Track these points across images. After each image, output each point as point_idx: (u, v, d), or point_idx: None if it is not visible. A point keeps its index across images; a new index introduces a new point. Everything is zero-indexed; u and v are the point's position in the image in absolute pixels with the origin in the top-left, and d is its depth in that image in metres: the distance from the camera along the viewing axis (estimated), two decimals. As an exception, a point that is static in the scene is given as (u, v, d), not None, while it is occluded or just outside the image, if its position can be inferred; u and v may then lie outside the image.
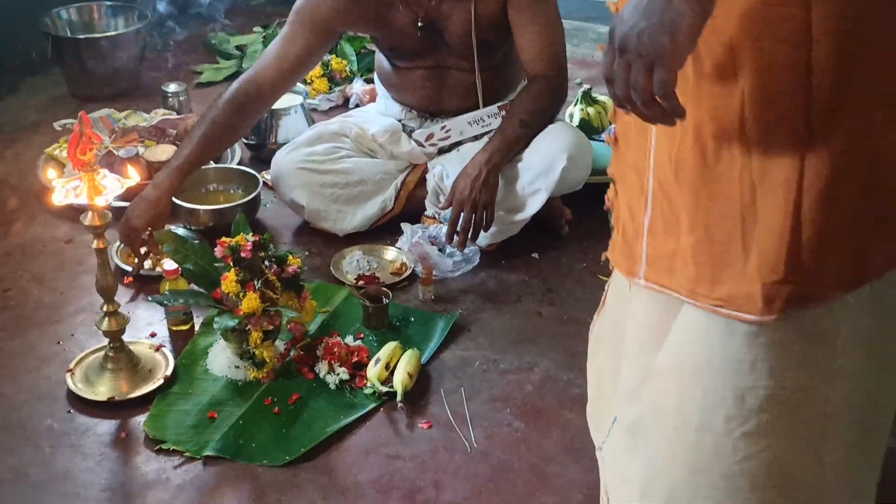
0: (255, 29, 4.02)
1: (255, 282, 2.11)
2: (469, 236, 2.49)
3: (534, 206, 2.59)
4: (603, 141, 3.05)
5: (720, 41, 1.09)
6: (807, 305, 1.16)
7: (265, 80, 2.55)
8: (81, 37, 3.57)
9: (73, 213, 2.17)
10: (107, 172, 2.02)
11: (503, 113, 2.67)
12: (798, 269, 1.14)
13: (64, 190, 1.95)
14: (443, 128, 2.75)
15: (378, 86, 2.92)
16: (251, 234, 2.17)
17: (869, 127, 1.10)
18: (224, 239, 2.14)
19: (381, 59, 2.83)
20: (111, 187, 1.99)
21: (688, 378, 1.25)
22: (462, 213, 2.48)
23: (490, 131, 2.63)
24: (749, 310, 1.17)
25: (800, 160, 1.10)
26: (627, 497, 1.38)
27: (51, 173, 2.05)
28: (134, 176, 2.07)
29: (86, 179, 1.96)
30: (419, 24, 2.59)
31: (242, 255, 2.10)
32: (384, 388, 2.12)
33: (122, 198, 2.19)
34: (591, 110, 3.18)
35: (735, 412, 1.23)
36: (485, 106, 2.71)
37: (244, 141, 3.12)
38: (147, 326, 2.35)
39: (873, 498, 1.35)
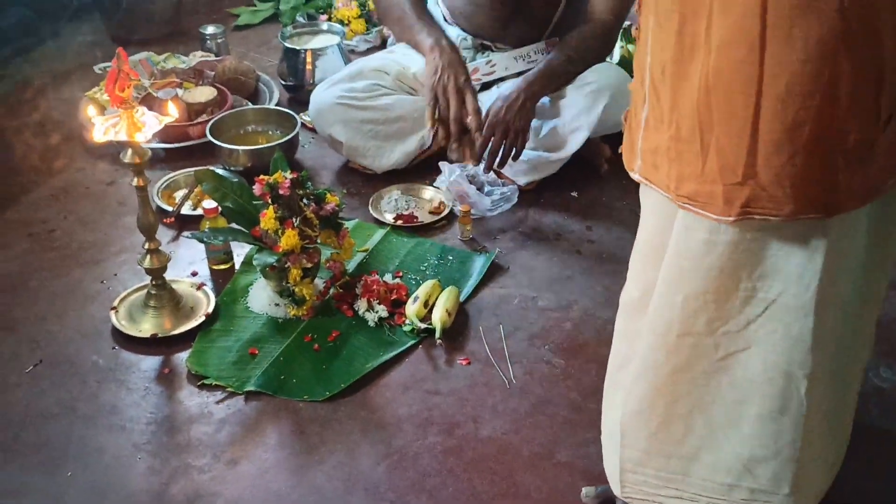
0: (292, -30, 3.98)
1: (294, 219, 2.12)
2: (498, 161, 2.46)
3: (574, 143, 2.57)
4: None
5: None
6: (770, 214, 1.21)
7: None
8: (119, -20, 3.56)
9: (115, 155, 2.19)
10: (145, 110, 2.03)
11: (549, 49, 2.63)
12: (755, 174, 1.19)
13: (103, 127, 1.96)
14: (488, 62, 2.71)
15: (436, 12, 2.82)
16: (289, 171, 2.17)
17: (836, 35, 1.11)
18: (262, 177, 2.15)
19: None
20: (150, 124, 2.00)
21: (673, 285, 1.34)
22: (493, 136, 2.46)
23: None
24: (712, 209, 1.23)
25: (758, 66, 1.14)
26: (616, 402, 1.50)
27: (91, 111, 2.06)
28: (173, 112, 2.07)
29: (124, 116, 1.96)
30: None
31: (281, 192, 2.11)
32: (423, 326, 2.13)
33: (161, 138, 2.19)
34: (631, 47, 3.12)
35: (716, 314, 1.32)
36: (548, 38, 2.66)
37: (282, 81, 3.11)
38: (188, 265, 2.37)
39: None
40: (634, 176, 1.37)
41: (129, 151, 1.98)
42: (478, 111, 2.32)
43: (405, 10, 2.44)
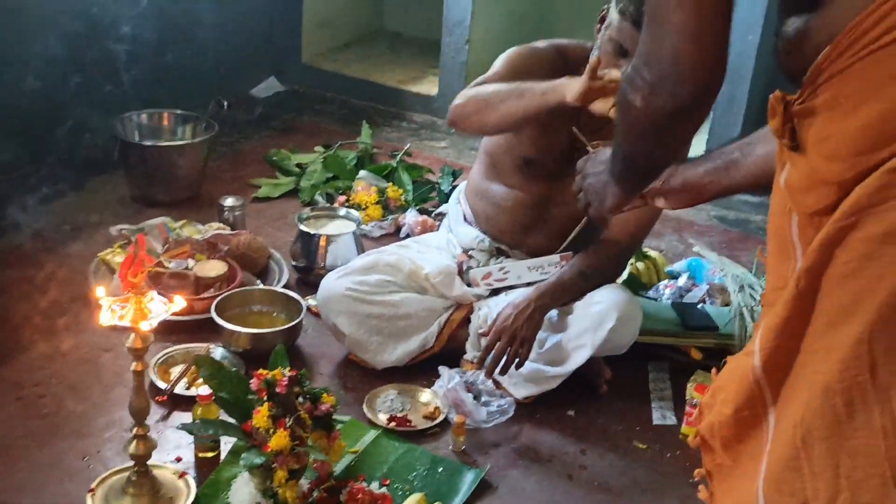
0: (316, 148, 4.09)
1: (287, 418, 2.10)
2: (500, 368, 2.47)
3: (576, 361, 2.56)
4: (651, 298, 3.03)
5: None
6: None
7: None
8: (148, 143, 3.66)
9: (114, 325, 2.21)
10: (154, 295, 2.04)
11: (563, 263, 2.66)
12: None
13: (109, 312, 1.97)
14: (501, 269, 2.75)
15: (456, 210, 2.89)
16: (288, 367, 2.16)
17: None
18: (261, 371, 2.14)
19: (481, 175, 2.78)
20: (156, 311, 2.01)
21: None
22: (499, 341, 2.47)
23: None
24: None
25: None
26: None
27: (100, 290, 2.07)
28: (180, 303, 2.08)
29: (133, 301, 1.97)
30: (577, 144, 2.45)
31: (277, 390, 2.09)
32: (404, 544, 2.07)
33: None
34: (640, 265, 3.17)
35: None
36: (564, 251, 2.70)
37: (293, 262, 3.15)
38: (174, 449, 2.33)
39: None
40: None
41: (133, 336, 1.98)
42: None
43: (508, 89, 2.43)
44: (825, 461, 1.11)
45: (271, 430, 2.07)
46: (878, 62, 1.06)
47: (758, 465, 1.20)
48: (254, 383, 2.12)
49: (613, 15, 2.38)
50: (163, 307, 2.03)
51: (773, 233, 1.25)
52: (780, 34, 1.22)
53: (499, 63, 2.60)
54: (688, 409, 2.52)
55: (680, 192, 1.63)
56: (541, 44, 2.62)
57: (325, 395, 2.16)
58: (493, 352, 2.51)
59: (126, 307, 1.98)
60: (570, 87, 2.32)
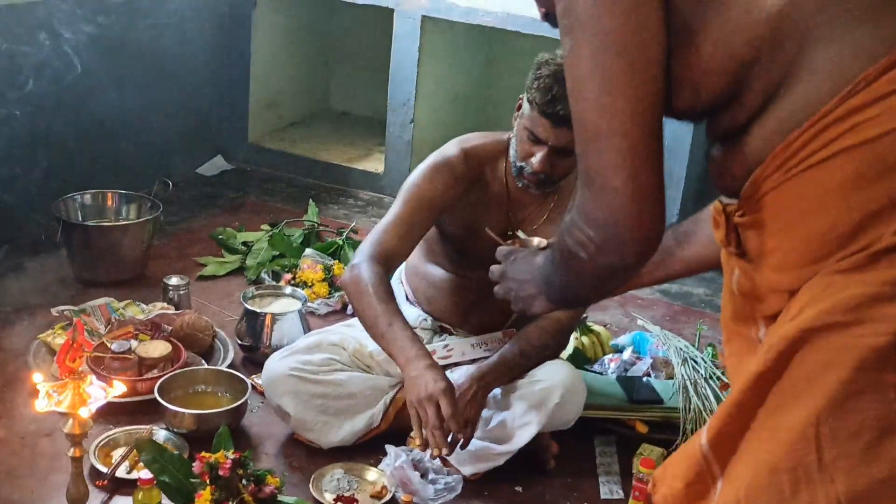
0: (262, 226, 4.10)
1: (231, 501, 2.07)
2: (445, 451, 2.46)
3: (522, 438, 2.56)
4: (596, 372, 3.06)
5: None
6: None
7: (395, 263, 2.59)
8: (91, 223, 3.64)
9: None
10: (94, 379, 2.02)
11: (507, 339, 2.68)
12: None
13: (46, 397, 1.94)
14: (445, 346, 2.76)
15: (398, 290, 2.88)
16: (232, 449, 2.14)
17: None
18: (204, 454, 2.12)
19: (420, 257, 2.80)
20: (95, 396, 1.99)
21: None
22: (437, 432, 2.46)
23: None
24: None
25: None
26: None
27: (37, 377, 2.04)
28: (119, 387, 2.06)
29: (71, 387, 1.95)
30: (508, 232, 2.55)
31: (220, 473, 2.07)
32: None
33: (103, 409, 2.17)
34: (585, 339, 3.20)
35: None
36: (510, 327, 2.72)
37: (238, 341, 3.13)
38: (115, 536, 2.28)
39: None
40: None
41: (70, 421, 1.95)
42: (452, 414, 2.32)
43: (377, 313, 2.43)
44: None
45: (214, 515, 2.04)
46: (814, 178, 1.13)
47: None
48: (196, 466, 2.10)
49: (525, 105, 2.46)
50: (102, 392, 2.01)
51: (732, 335, 1.31)
52: (710, 157, 1.28)
53: (405, 191, 2.59)
54: (634, 483, 2.52)
55: None
56: (451, 149, 2.62)
57: (269, 476, 2.15)
58: (436, 440, 2.49)
59: (64, 392, 1.96)
60: (413, 381, 2.35)
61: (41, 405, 1.93)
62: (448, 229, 2.70)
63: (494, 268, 1.65)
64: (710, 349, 3.19)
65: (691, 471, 1.25)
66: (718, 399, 2.87)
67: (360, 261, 2.50)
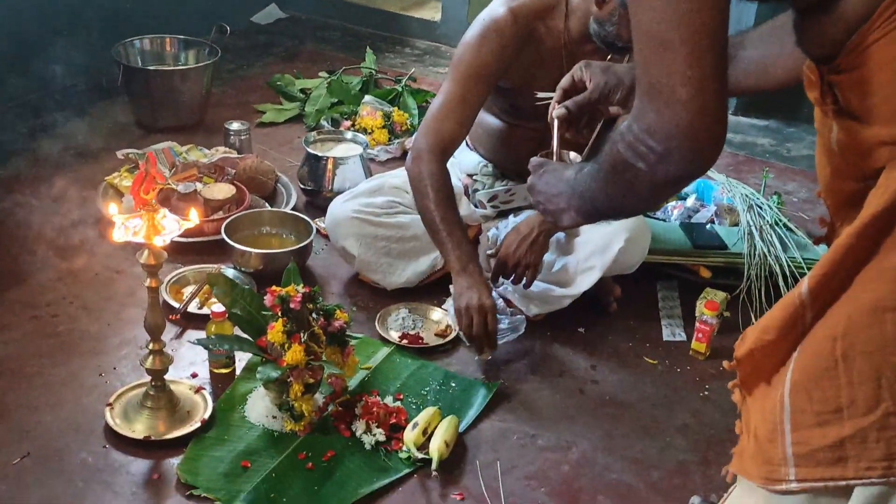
0: (320, 73, 4.06)
1: (302, 334, 2.11)
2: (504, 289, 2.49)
3: (585, 283, 2.57)
4: (660, 219, 3.03)
5: None
6: None
7: (456, 146, 2.54)
8: (151, 68, 3.63)
9: (126, 243, 2.20)
10: (167, 212, 2.04)
11: None
12: None
13: (124, 227, 1.97)
14: (508, 191, 2.74)
15: None
16: (302, 284, 2.17)
17: None
18: (274, 288, 2.15)
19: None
20: (170, 228, 2.01)
21: None
22: (504, 269, 2.50)
23: None
24: None
25: None
26: None
27: (112, 208, 2.07)
28: (194, 218, 2.08)
29: (146, 218, 1.97)
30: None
31: (291, 305, 2.10)
32: (420, 455, 2.10)
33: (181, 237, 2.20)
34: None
35: None
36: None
37: (301, 185, 3.14)
38: (189, 366, 2.35)
39: None
40: (786, 487, 1.21)
41: (146, 252, 1.98)
42: (494, 331, 2.38)
43: (436, 221, 2.43)
44: (867, 374, 1.14)
45: (286, 346, 2.09)
46: None
47: (783, 376, 1.22)
48: (268, 299, 2.13)
49: None
50: (175, 224, 2.03)
51: (831, 192, 1.28)
52: (798, 26, 1.25)
53: (456, 68, 2.49)
54: (698, 324, 2.53)
55: None
56: (498, 11, 2.47)
57: (338, 311, 2.18)
58: (503, 272, 2.53)
59: (139, 224, 1.98)
60: (459, 293, 2.39)
61: (118, 235, 1.95)
62: (503, 88, 2.61)
63: (530, 179, 1.59)
64: (775, 197, 3.14)
65: (786, 322, 1.24)
66: (784, 245, 2.84)
67: (421, 151, 2.46)
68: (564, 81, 1.76)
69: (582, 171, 1.40)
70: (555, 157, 1.81)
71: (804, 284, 1.21)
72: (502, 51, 2.45)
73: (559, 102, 1.75)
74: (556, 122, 1.73)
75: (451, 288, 2.59)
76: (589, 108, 1.72)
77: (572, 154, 1.73)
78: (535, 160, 1.58)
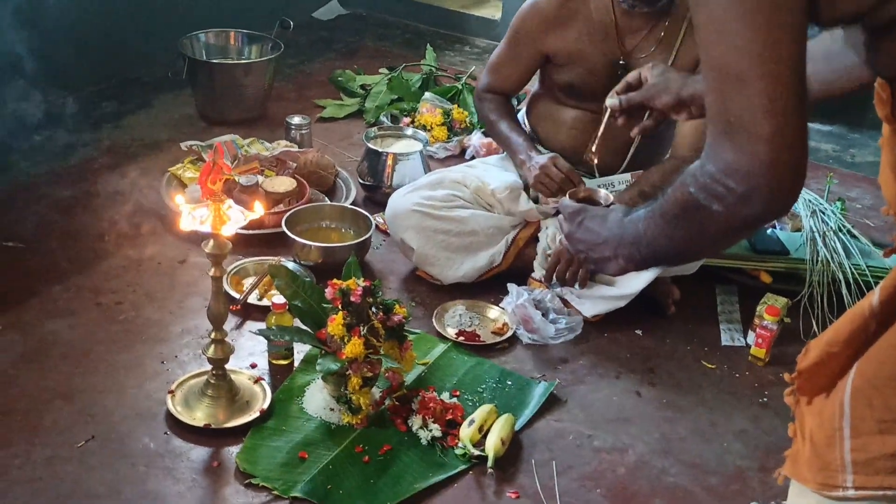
0: (380, 70, 4.08)
1: (361, 327, 2.13)
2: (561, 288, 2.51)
3: (640, 282, 2.55)
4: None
5: None
6: None
7: (509, 92, 2.88)
8: (216, 61, 3.68)
9: (190, 234, 2.24)
10: (232, 203, 2.07)
11: (633, 181, 2.65)
12: None
13: (191, 216, 2.00)
14: None
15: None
16: (362, 278, 2.18)
17: None
18: (335, 281, 2.16)
19: (539, 96, 2.84)
20: (235, 218, 2.03)
21: None
22: (559, 262, 2.52)
23: None
24: None
25: None
26: None
27: (179, 199, 2.10)
28: (259, 210, 2.10)
29: (212, 208, 2.00)
30: (621, 61, 2.59)
31: (352, 299, 2.12)
32: (476, 451, 2.10)
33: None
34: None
35: None
36: (630, 168, 2.68)
37: (360, 181, 3.16)
38: (248, 356, 2.38)
39: None
40: (843, 493, 1.19)
41: (212, 242, 2.01)
42: (570, 169, 2.61)
43: (502, 131, 2.77)
44: None
45: (346, 338, 2.11)
46: None
47: (843, 383, 1.20)
48: (329, 292, 2.15)
49: None
50: (241, 215, 2.05)
51: None
52: (869, 46, 1.20)
53: (508, 30, 2.77)
54: (758, 330, 2.50)
55: None
56: None
57: (397, 306, 2.18)
58: (556, 272, 2.52)
59: (205, 214, 2.01)
60: (529, 170, 2.67)
61: (185, 224, 1.98)
62: (557, 64, 2.68)
63: (561, 226, 1.53)
64: (839, 203, 3.09)
65: (855, 334, 1.21)
66: (848, 252, 2.79)
67: (479, 92, 2.88)
68: (631, 76, 1.80)
69: (630, 216, 1.35)
70: (595, 146, 1.85)
71: (875, 296, 1.19)
72: (543, 27, 2.65)
73: (619, 94, 1.80)
74: (607, 111, 1.82)
75: (509, 286, 2.61)
76: (639, 105, 1.76)
77: (602, 192, 1.70)
78: (568, 206, 1.50)
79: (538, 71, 2.80)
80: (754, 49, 1.07)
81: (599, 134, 1.80)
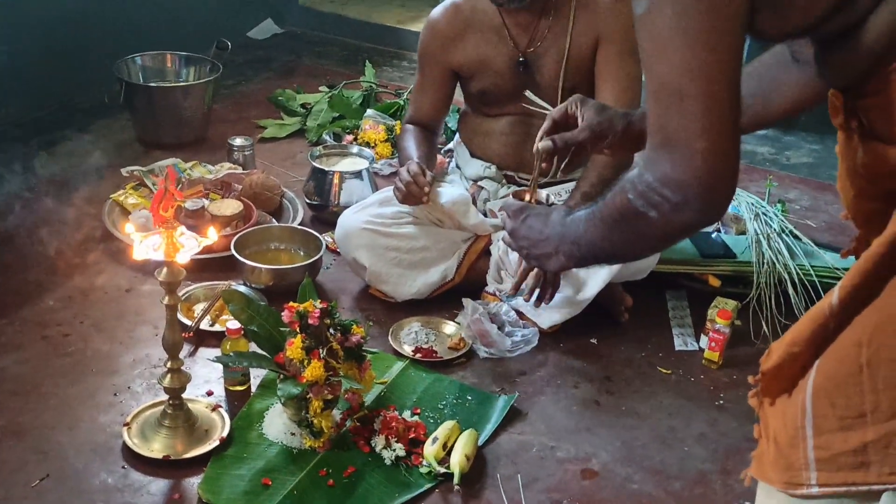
0: (320, 88, 4.06)
1: (321, 349, 2.10)
2: (535, 300, 2.47)
3: (594, 285, 2.55)
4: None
5: None
6: None
7: (435, 121, 2.89)
8: (153, 84, 3.62)
9: (135, 262, 2.19)
10: (185, 230, 2.03)
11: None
12: None
13: (143, 246, 1.96)
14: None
15: (459, 147, 2.94)
16: (318, 300, 2.16)
17: None
18: (292, 304, 2.14)
19: (467, 110, 2.89)
20: (189, 245, 2.00)
21: None
22: (532, 274, 2.48)
23: None
24: None
25: None
26: None
27: (128, 227, 2.06)
28: (213, 235, 2.07)
29: (165, 236, 1.96)
30: (520, 59, 2.64)
31: (310, 321, 2.09)
32: (441, 469, 2.09)
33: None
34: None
35: None
36: (567, 165, 2.69)
37: (307, 200, 3.13)
38: (204, 384, 2.34)
39: None
40: (805, 491, 1.21)
41: (166, 270, 1.98)
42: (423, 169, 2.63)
43: (402, 153, 2.82)
44: (891, 380, 1.15)
45: (305, 362, 2.08)
46: None
47: (805, 383, 1.23)
48: (286, 315, 2.12)
49: None
50: (194, 241, 2.02)
51: (858, 212, 1.30)
52: (820, 59, 1.27)
53: (418, 58, 2.85)
54: (712, 334, 2.54)
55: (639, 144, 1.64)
56: (438, 6, 2.75)
57: (354, 326, 2.17)
58: (530, 284, 2.49)
59: (158, 242, 1.97)
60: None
61: (139, 253, 1.95)
62: (466, 77, 2.76)
63: (505, 223, 1.61)
64: (780, 205, 3.16)
65: (816, 333, 1.24)
66: (792, 253, 2.85)
67: (405, 121, 2.91)
68: (556, 113, 1.78)
69: (571, 216, 1.42)
70: (531, 189, 1.84)
71: (834, 296, 1.22)
72: (441, 42, 2.71)
73: (547, 134, 1.76)
74: (539, 155, 1.76)
75: (463, 301, 2.60)
76: (575, 146, 1.73)
77: (543, 192, 1.72)
78: (512, 204, 1.59)
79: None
80: (693, 68, 1.13)
81: (534, 177, 1.82)
